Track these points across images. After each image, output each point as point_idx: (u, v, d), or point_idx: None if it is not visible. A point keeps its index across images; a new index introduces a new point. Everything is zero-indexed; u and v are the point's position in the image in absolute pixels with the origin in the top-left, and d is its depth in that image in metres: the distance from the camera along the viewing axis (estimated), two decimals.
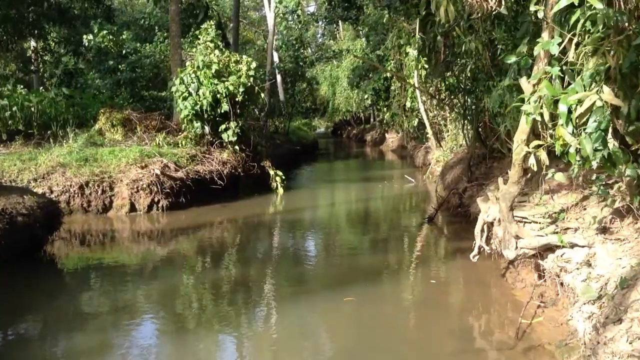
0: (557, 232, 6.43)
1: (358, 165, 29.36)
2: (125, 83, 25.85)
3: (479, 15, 7.57)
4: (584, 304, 5.26)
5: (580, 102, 4.70)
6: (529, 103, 5.46)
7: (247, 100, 16.34)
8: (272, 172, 16.88)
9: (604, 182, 6.02)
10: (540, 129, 5.71)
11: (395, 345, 6.08)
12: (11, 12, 21.49)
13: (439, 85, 17.58)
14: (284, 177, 16.93)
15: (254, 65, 16.31)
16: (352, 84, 35.15)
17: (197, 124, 15.82)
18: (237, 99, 15.74)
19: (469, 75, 12.04)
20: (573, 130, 4.92)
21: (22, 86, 20.09)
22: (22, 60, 30.14)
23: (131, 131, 17.10)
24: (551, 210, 6.83)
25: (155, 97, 26.42)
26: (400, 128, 28.55)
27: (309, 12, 43.93)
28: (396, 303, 7.62)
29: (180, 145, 15.82)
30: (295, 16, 35.35)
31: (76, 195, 12.96)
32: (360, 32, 38.93)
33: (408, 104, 23.46)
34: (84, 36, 25.51)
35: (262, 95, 17.81)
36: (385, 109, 29.64)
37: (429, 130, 20.67)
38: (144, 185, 13.34)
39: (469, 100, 13.34)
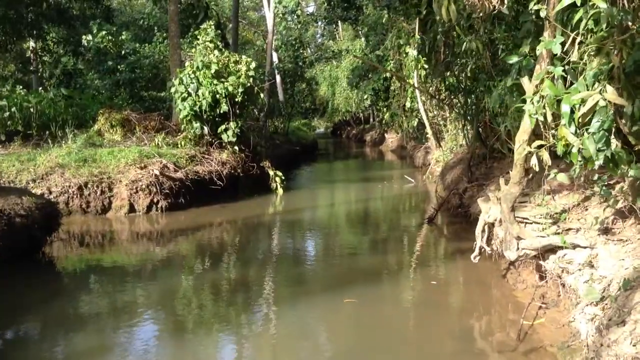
0: (558, 233, 6.39)
1: (357, 166, 29.33)
2: (124, 83, 25.81)
3: (480, 14, 7.54)
4: (587, 305, 5.22)
5: (583, 101, 4.66)
6: (532, 103, 5.42)
7: (247, 100, 16.30)
8: (271, 173, 16.83)
9: (606, 183, 5.98)
10: (542, 129, 5.67)
11: (395, 346, 6.04)
12: (10, 13, 21.46)
13: (438, 85, 17.55)
14: (283, 178, 16.89)
15: (253, 65, 16.27)
16: (352, 84, 35.15)
17: (197, 125, 15.78)
18: (236, 100, 15.70)
19: (469, 75, 12.01)
20: (576, 130, 4.88)
21: (21, 87, 20.07)
22: (21, 60, 30.13)
23: (130, 132, 17.06)
24: (552, 211, 6.79)
25: (155, 97, 26.38)
26: (400, 128, 28.55)
27: (308, 13, 43.92)
28: (396, 304, 7.59)
29: (179, 145, 15.78)
30: (295, 16, 35.33)
31: (75, 196, 12.92)
32: (360, 32, 38.91)
33: (408, 104, 23.43)
34: (83, 36, 25.47)
35: (262, 95, 17.78)
36: (384, 109, 29.64)
37: (428, 130, 20.63)
38: (143, 186, 13.30)
39: (469, 100, 13.30)
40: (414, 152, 26.28)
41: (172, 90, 16.01)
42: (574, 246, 6.08)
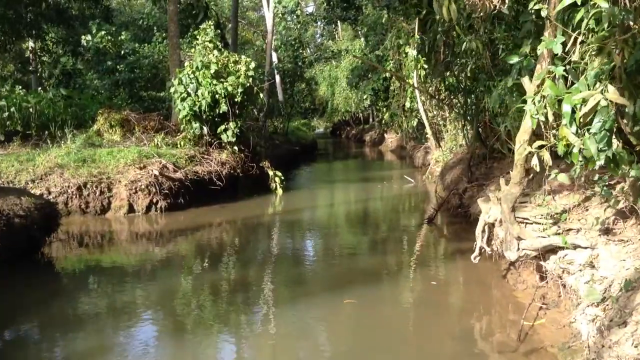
0: (559, 233, 6.37)
1: (357, 166, 29.32)
2: (123, 83, 25.78)
3: (481, 14, 7.52)
4: (588, 306, 5.20)
5: (584, 101, 4.64)
6: (533, 103, 5.40)
7: (246, 100, 16.28)
8: (271, 173, 16.81)
9: (606, 183, 5.96)
10: (543, 129, 5.65)
11: (395, 347, 6.02)
12: (9, 13, 21.43)
13: (438, 85, 17.53)
14: (283, 178, 16.87)
15: (252, 65, 16.25)
16: (351, 84, 35.13)
17: (196, 125, 15.76)
18: (235, 100, 15.68)
19: (469, 75, 11.98)
20: (577, 130, 4.86)
21: (20, 87, 20.02)
22: (21, 60, 30.10)
23: (129, 132, 17.03)
24: (553, 211, 6.77)
25: (154, 97, 26.36)
26: (400, 128, 28.52)
27: (307, 13, 43.90)
28: (396, 304, 7.56)
29: (178, 145, 15.75)
30: (294, 16, 35.31)
31: (74, 197, 12.89)
32: (359, 32, 38.89)
33: (407, 104, 23.41)
34: (82, 36, 25.45)
35: (261, 95, 17.75)
36: (384, 109, 29.62)
37: (428, 130, 20.61)
38: (143, 186, 13.27)
39: (469, 100, 13.28)
40: (413, 152, 26.27)
41: (172, 90, 15.99)
42: (575, 247, 6.06)
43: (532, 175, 6.75)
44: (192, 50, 17.46)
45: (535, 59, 6.07)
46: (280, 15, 33.35)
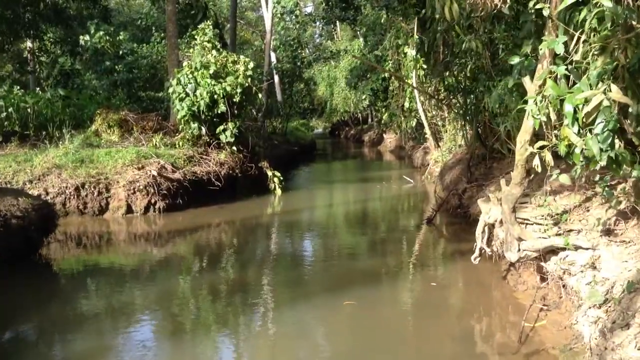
0: (560, 234, 6.33)
1: (356, 166, 29.29)
2: (122, 84, 25.71)
3: (482, 13, 7.48)
4: (590, 307, 5.16)
5: (586, 101, 4.59)
6: (535, 103, 5.35)
7: (245, 100, 16.24)
8: (269, 173, 16.78)
9: (608, 184, 5.92)
10: (544, 130, 5.61)
11: (395, 348, 5.98)
12: (7, 13, 21.35)
13: (437, 86, 17.50)
14: (281, 178, 16.84)
15: (251, 65, 16.20)
16: (350, 84, 35.08)
17: (194, 125, 15.71)
18: (234, 100, 15.64)
19: (468, 75, 11.95)
20: (579, 131, 4.82)
21: (18, 87, 19.92)
22: (19, 60, 30.01)
23: (128, 132, 16.98)
24: (553, 212, 6.73)
25: (152, 97, 26.29)
26: (399, 128, 28.50)
27: (306, 13, 43.85)
28: (396, 306, 7.53)
29: (177, 146, 15.70)
30: (293, 16, 35.27)
31: (72, 197, 12.84)
32: (358, 32, 38.85)
33: (406, 104, 23.39)
34: (81, 37, 25.37)
35: (260, 95, 17.70)
36: (383, 109, 29.59)
37: (427, 130, 20.58)
38: (141, 187, 13.22)
39: (468, 100, 13.25)
40: (412, 153, 26.25)
41: (170, 90, 15.94)
42: (576, 247, 6.02)
43: (533, 175, 6.71)
44: (191, 50, 17.41)
45: (536, 59, 6.04)
46: (279, 15, 33.34)
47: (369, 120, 48.28)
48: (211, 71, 15.55)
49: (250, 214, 14.32)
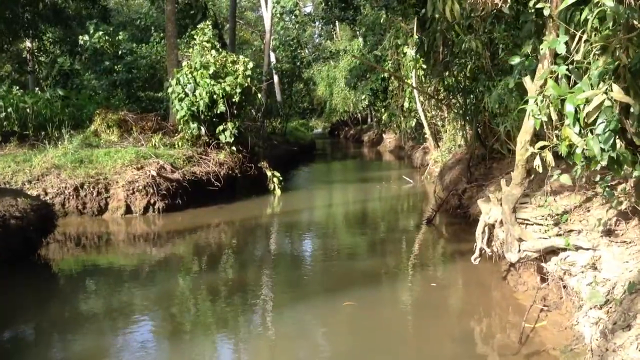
0: (560, 235, 6.31)
1: (355, 166, 29.27)
2: (121, 84, 25.67)
3: (482, 13, 7.47)
4: (591, 308, 5.14)
5: (587, 101, 4.57)
6: (535, 103, 5.33)
7: (244, 100, 16.21)
8: (269, 173, 16.75)
9: (608, 184, 5.90)
10: (545, 130, 5.59)
11: (394, 349, 5.96)
12: (6, 12, 21.30)
13: (437, 86, 17.48)
14: (281, 178, 16.81)
15: (250, 65, 16.17)
16: (350, 84, 35.06)
17: (194, 125, 15.68)
18: (234, 100, 15.61)
19: (468, 75, 11.94)
20: (580, 131, 4.80)
21: (17, 87, 19.89)
22: (18, 61, 29.97)
23: (127, 132, 16.95)
24: (554, 212, 6.71)
25: (152, 97, 26.24)
26: (398, 128, 28.47)
27: (305, 13, 43.81)
28: (396, 306, 7.51)
29: (176, 146, 15.68)
30: (293, 16, 35.23)
31: (71, 197, 12.81)
32: (358, 32, 38.84)
33: (406, 104, 23.36)
34: (80, 37, 25.34)
35: (259, 95, 17.68)
36: (382, 109, 29.56)
37: (426, 130, 20.56)
38: (140, 187, 13.19)
39: (468, 100, 13.23)
40: (412, 153, 26.23)
41: (169, 90, 15.92)
42: (577, 248, 6.00)
43: (532, 176, 6.69)
44: (190, 50, 17.39)
45: (536, 59, 6.02)
46: (278, 15, 33.30)
47: (369, 120, 48.24)
48: (210, 71, 15.52)
49: (249, 214, 14.29)
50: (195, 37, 16.97)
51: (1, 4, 20.58)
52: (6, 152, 15.02)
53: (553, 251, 6.38)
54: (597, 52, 4.89)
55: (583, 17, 4.78)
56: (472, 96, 12.66)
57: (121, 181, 13.21)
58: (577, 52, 5.11)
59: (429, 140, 20.74)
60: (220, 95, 15.34)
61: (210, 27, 17.34)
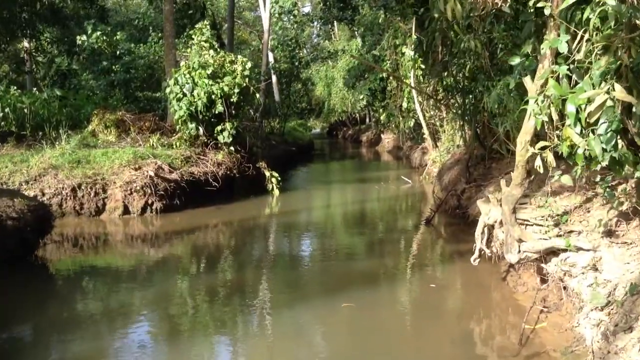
0: (560, 235, 6.27)
1: (354, 166, 29.23)
2: (119, 84, 25.60)
3: (483, 12, 7.43)
4: (591, 310, 5.11)
5: (589, 101, 4.54)
6: (536, 103, 5.29)
7: (242, 100, 16.17)
8: (267, 174, 16.70)
9: (609, 184, 5.87)
10: (546, 130, 5.56)
11: (394, 350, 5.93)
12: (3, 12, 21.24)
13: (436, 86, 17.45)
14: (279, 179, 16.76)
15: (249, 65, 16.13)
16: (348, 84, 35.02)
17: (192, 125, 15.62)
18: (232, 100, 15.56)
19: (467, 75, 11.90)
20: (581, 131, 4.76)
21: (15, 87, 19.82)
22: (16, 61, 29.92)
23: (125, 132, 16.89)
24: (554, 213, 6.67)
25: (150, 98, 26.17)
26: (397, 129, 28.43)
27: (304, 13, 43.80)
28: (394, 308, 7.47)
29: (174, 146, 15.63)
30: (291, 16, 35.20)
31: (68, 198, 12.75)
32: (356, 32, 38.80)
33: (404, 105, 23.33)
34: (78, 37, 25.28)
35: (258, 95, 17.64)
36: (381, 109, 29.51)
37: (425, 130, 20.54)
38: (138, 187, 13.13)
39: (467, 100, 13.19)
40: (410, 153, 26.20)
41: (167, 90, 15.87)
42: (577, 249, 5.96)
43: (533, 176, 6.66)
44: (188, 50, 17.33)
45: (536, 58, 5.99)
46: (276, 15, 33.27)
47: (367, 120, 48.17)
48: (209, 71, 15.47)
49: (247, 214, 14.25)
50: (193, 37, 16.92)
51: None
52: (3, 152, 14.96)
53: (553, 252, 6.35)
54: (598, 52, 4.85)
55: (585, 16, 4.75)
56: (471, 96, 12.62)
57: (119, 181, 13.16)
58: (578, 51, 5.08)
59: (427, 141, 20.71)
60: (219, 96, 15.29)
61: (208, 27, 17.27)
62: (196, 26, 17.44)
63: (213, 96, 15.29)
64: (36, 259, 9.80)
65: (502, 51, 9.08)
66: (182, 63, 16.17)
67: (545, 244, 6.33)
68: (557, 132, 5.38)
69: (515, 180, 6.51)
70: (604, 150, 4.51)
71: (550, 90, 5.04)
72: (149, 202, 13.25)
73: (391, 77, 24.87)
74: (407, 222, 13.88)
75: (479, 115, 12.61)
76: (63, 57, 27.46)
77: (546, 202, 6.83)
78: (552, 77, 5.20)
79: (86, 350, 6.07)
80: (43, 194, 12.47)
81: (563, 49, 5.00)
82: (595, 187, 6.53)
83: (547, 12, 5.31)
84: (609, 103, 4.38)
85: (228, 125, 15.66)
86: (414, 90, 20.34)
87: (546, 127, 5.55)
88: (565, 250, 6.13)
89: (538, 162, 5.47)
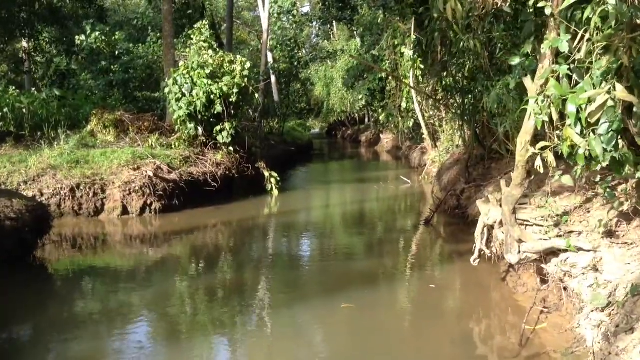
0: (561, 236, 6.25)
1: (353, 166, 29.21)
2: (118, 84, 25.57)
3: (483, 11, 7.42)
4: (592, 311, 5.08)
5: (590, 101, 4.52)
6: (537, 103, 5.27)
7: (241, 100, 16.15)
8: (266, 174, 16.68)
9: (609, 185, 5.85)
10: (546, 130, 5.54)
11: (393, 351, 5.92)
12: (1, 12, 21.22)
13: (435, 86, 17.43)
14: (278, 179, 16.74)
15: (248, 65, 16.10)
16: (347, 84, 34.98)
17: (191, 125, 15.60)
18: (231, 100, 15.54)
19: (466, 74, 11.88)
20: (581, 131, 4.74)
21: (14, 87, 19.79)
22: (14, 61, 29.88)
23: (123, 132, 16.87)
24: (554, 213, 6.65)
25: (148, 98, 26.15)
26: (396, 129, 28.41)
27: (303, 13, 43.78)
28: (394, 308, 7.45)
29: (173, 146, 15.60)
30: (290, 16, 35.17)
31: (67, 198, 12.72)
32: (355, 32, 38.78)
33: (404, 105, 23.29)
34: (76, 36, 25.25)
35: (257, 95, 17.63)
36: (380, 109, 29.49)
37: (424, 130, 20.51)
38: (137, 188, 13.11)
39: (466, 100, 13.17)
40: (409, 153, 26.19)
41: (166, 90, 15.85)
42: (578, 249, 5.94)
43: (533, 176, 6.64)
44: (187, 50, 17.31)
45: (536, 58, 5.97)
46: (275, 15, 33.23)
47: (366, 120, 48.14)
48: (208, 71, 15.44)
49: (247, 214, 14.23)
50: (192, 37, 16.89)
51: None
52: (2, 152, 14.94)
53: (553, 252, 6.33)
54: (599, 52, 4.83)
55: (585, 15, 4.72)
56: (470, 96, 12.60)
57: (117, 182, 13.13)
58: (579, 51, 5.06)
59: (426, 141, 20.68)
60: (218, 96, 15.27)
61: (207, 27, 17.25)
62: (195, 26, 17.41)
63: (212, 96, 15.26)
64: (35, 260, 9.77)
65: (501, 51, 9.06)
66: (181, 63, 16.15)
67: (546, 245, 6.31)
68: (557, 132, 5.36)
69: (515, 181, 6.49)
70: (605, 150, 4.49)
71: (551, 90, 5.02)
72: (148, 202, 13.23)
73: (390, 77, 24.84)
74: (406, 222, 13.86)
75: (479, 115, 12.59)
76: (62, 57, 27.43)
77: (546, 202, 6.81)
78: (552, 76, 5.18)
79: (85, 350, 6.06)
80: (42, 194, 12.44)
81: (564, 48, 4.98)
82: (596, 188, 6.52)
83: (547, 11, 5.28)
84: (610, 103, 4.36)
85: (227, 125, 15.64)
86: (413, 90, 20.31)
87: (546, 127, 5.53)
88: (565, 251, 6.11)
89: (538, 163, 5.45)
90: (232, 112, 15.86)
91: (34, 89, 24.00)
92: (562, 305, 6.25)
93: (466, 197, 12.14)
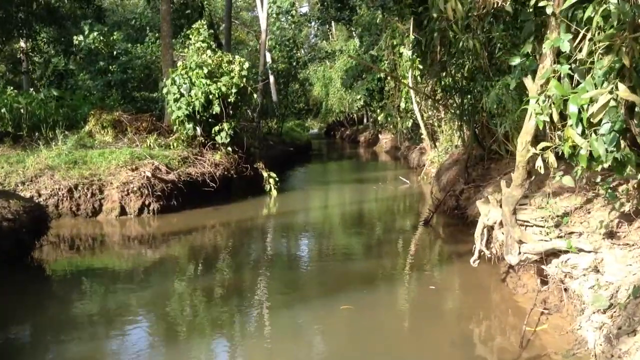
0: (561, 237, 6.22)
1: (351, 167, 29.19)
2: (116, 84, 25.54)
3: (483, 10, 7.38)
4: (594, 312, 5.05)
5: (591, 101, 4.48)
6: (537, 103, 5.24)
7: (240, 101, 16.11)
8: (265, 174, 16.64)
9: (610, 185, 5.82)
10: (547, 130, 5.51)
11: (393, 352, 5.89)
12: None
13: (434, 86, 17.41)
14: (277, 179, 16.70)
15: (246, 65, 16.07)
16: (346, 84, 34.97)
17: (189, 126, 15.56)
18: (229, 100, 15.51)
19: (465, 75, 11.85)
20: (583, 131, 4.71)
21: (11, 87, 19.73)
22: (12, 61, 29.84)
23: (122, 133, 16.81)
24: (554, 214, 6.62)
25: (147, 98, 26.12)
26: (394, 129, 28.38)
27: (301, 13, 43.76)
28: (393, 309, 7.41)
29: (171, 147, 15.56)
30: (289, 17, 35.14)
31: (65, 199, 12.67)
32: (354, 32, 38.78)
33: (402, 105, 23.27)
34: (74, 37, 25.20)
35: (255, 96, 17.58)
36: (379, 109, 29.47)
37: (423, 131, 20.50)
38: (135, 188, 13.06)
39: (465, 100, 13.14)
40: (408, 153, 26.17)
41: (165, 90, 15.81)
42: (578, 250, 5.91)
43: (534, 177, 6.61)
44: (185, 50, 17.28)
45: (536, 58, 5.94)
46: (274, 15, 33.21)
47: (365, 120, 48.15)
48: (206, 71, 15.41)
49: (245, 215, 14.19)
50: (190, 37, 16.86)
51: None
52: None
53: (554, 253, 6.29)
54: (601, 51, 4.79)
55: (586, 15, 4.69)
56: (469, 96, 12.57)
57: (115, 182, 13.08)
58: (580, 51, 5.02)
59: (425, 141, 20.67)
60: (216, 96, 15.23)
61: (205, 27, 17.21)
62: (193, 26, 17.37)
63: (210, 96, 15.23)
64: (32, 261, 9.73)
65: (500, 51, 9.03)
66: (180, 63, 16.11)
67: (546, 246, 6.27)
68: (558, 132, 5.33)
69: (516, 181, 6.45)
70: (607, 150, 4.46)
71: (552, 90, 4.99)
72: (146, 203, 13.19)
73: (389, 77, 24.82)
74: (405, 222, 13.83)
75: (478, 116, 12.56)
76: (60, 57, 27.37)
77: (547, 203, 6.78)
78: (553, 76, 5.15)
79: (84, 351, 6.03)
80: (39, 195, 12.39)
81: (565, 48, 4.94)
82: (596, 188, 6.49)
83: (549, 10, 5.25)
84: (612, 103, 4.33)
85: (225, 125, 15.61)
86: (412, 91, 20.29)
87: (547, 128, 5.50)
88: (566, 252, 6.08)
89: (539, 163, 5.41)
90: (231, 112, 15.83)
91: (31, 89, 23.95)
92: (562, 306, 6.22)
93: (465, 198, 12.11)
